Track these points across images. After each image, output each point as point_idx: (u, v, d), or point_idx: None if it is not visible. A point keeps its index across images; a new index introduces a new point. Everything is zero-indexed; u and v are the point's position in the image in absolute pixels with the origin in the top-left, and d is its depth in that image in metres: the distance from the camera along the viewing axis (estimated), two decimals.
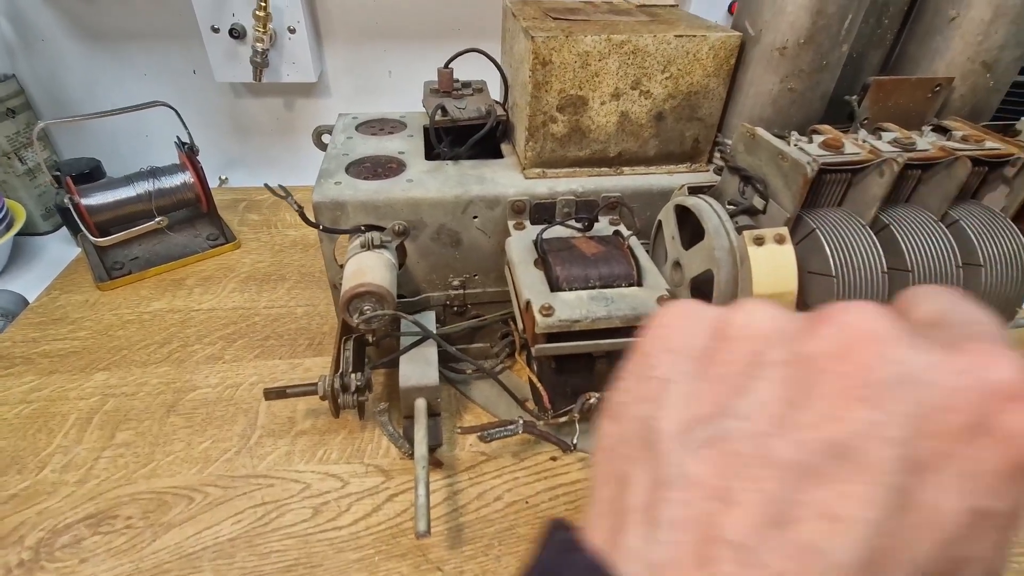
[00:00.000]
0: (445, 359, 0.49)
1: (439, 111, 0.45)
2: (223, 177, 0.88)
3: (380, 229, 0.43)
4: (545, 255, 0.38)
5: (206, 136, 0.86)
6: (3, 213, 0.67)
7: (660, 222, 0.43)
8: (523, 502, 0.42)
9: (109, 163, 0.78)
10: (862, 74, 0.48)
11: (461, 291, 0.48)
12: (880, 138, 0.39)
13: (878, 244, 0.36)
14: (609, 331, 0.36)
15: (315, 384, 0.42)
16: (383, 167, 0.46)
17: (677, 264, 0.41)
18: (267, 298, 0.62)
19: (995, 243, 0.38)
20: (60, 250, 0.74)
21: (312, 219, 0.41)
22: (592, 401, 0.41)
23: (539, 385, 0.41)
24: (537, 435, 0.40)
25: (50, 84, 0.79)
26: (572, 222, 0.42)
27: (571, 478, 0.44)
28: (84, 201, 0.60)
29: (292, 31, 0.73)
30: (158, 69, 0.80)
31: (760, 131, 0.39)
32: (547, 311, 0.34)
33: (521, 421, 0.40)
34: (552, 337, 0.36)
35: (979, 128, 0.41)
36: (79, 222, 0.57)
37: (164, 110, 0.64)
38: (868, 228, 0.37)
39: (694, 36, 0.40)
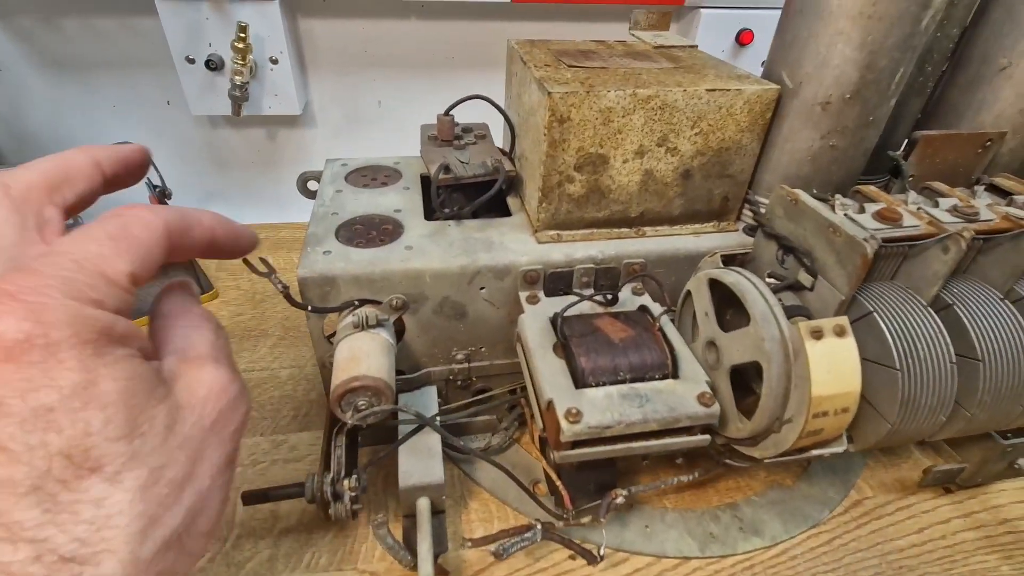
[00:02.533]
0: (446, 439, 0.44)
1: (442, 170, 0.40)
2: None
3: (376, 303, 0.38)
4: (567, 342, 0.33)
5: (181, 170, 0.80)
6: None
7: (689, 293, 0.39)
8: None
9: None
10: (901, 123, 0.44)
11: (465, 364, 0.43)
12: (936, 204, 0.35)
13: (944, 330, 0.32)
14: (644, 433, 0.31)
15: (301, 485, 0.36)
16: (377, 229, 0.41)
17: (712, 344, 0.36)
18: (247, 359, 0.56)
19: None
20: None
21: (285, 291, 0.36)
22: (618, 500, 0.36)
23: (558, 483, 0.36)
24: (558, 542, 0.35)
25: (10, 117, 0.73)
26: (596, 296, 0.38)
27: None
28: None
29: (275, 61, 0.68)
30: (128, 100, 0.75)
31: (803, 196, 0.35)
32: (574, 418, 0.29)
33: (539, 527, 0.35)
34: (578, 443, 0.31)
35: None
36: None
37: None
38: (930, 310, 0.33)
39: (728, 90, 0.36)
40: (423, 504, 0.37)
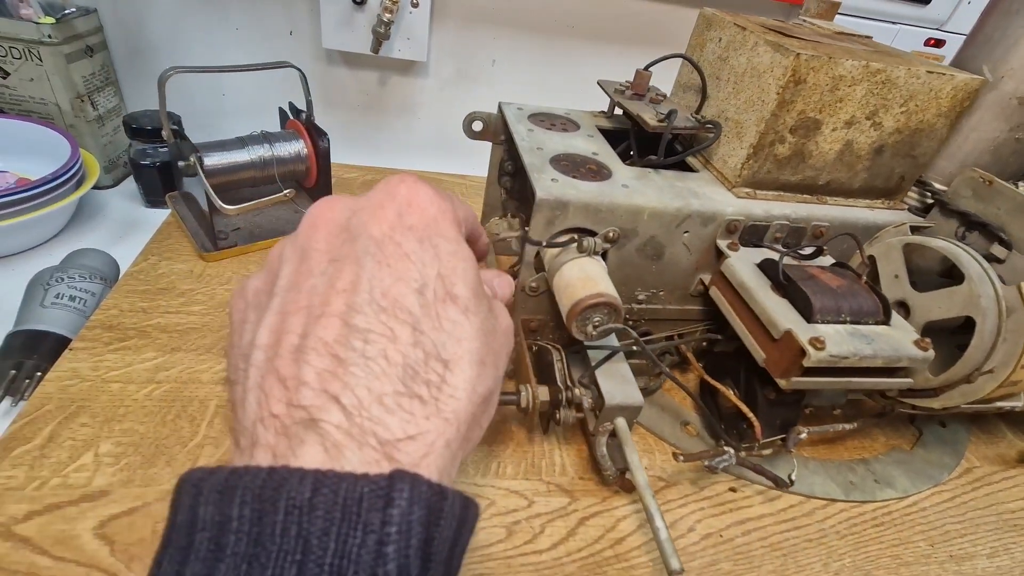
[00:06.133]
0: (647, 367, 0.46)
1: (672, 115, 0.42)
2: None
3: (592, 234, 0.40)
4: (792, 283, 0.36)
5: (287, 102, 0.80)
6: (77, 166, 0.60)
7: (874, 258, 0.42)
8: (717, 535, 0.40)
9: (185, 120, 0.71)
10: None
11: (644, 305, 0.45)
12: None
13: None
14: (859, 370, 0.35)
15: (514, 395, 0.39)
16: (584, 167, 0.43)
17: (900, 304, 0.40)
18: None
19: None
20: (125, 208, 0.67)
21: (525, 233, 0.38)
22: (802, 435, 0.40)
23: (751, 415, 0.39)
24: (750, 467, 0.39)
25: (132, 25, 0.72)
26: (798, 249, 0.41)
27: (756, 512, 0.42)
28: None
29: (415, 5, 0.69)
30: (252, 26, 0.74)
31: (998, 180, 0.39)
32: (821, 345, 0.33)
33: (731, 452, 0.38)
34: (809, 371, 0.34)
35: None
36: (206, 186, 0.52)
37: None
38: None
39: (943, 74, 0.39)
40: (622, 423, 0.39)
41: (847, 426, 0.43)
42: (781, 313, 0.35)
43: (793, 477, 0.38)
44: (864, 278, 0.38)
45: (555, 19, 0.79)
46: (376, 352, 0.17)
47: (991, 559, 0.42)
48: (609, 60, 0.85)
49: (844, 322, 0.36)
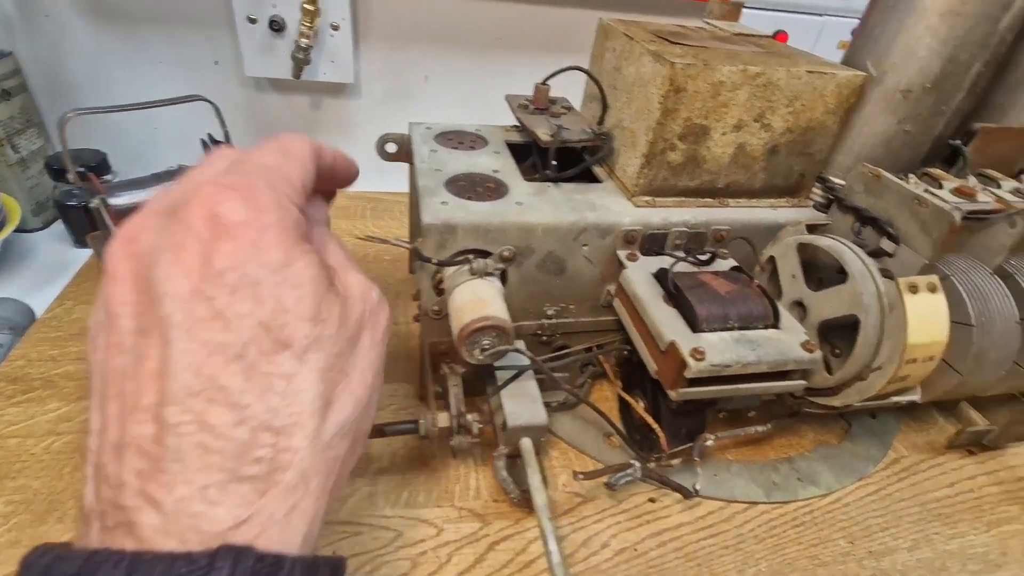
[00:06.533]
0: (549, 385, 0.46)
1: (557, 129, 0.42)
2: None
3: (486, 254, 0.40)
4: (680, 292, 0.36)
5: (207, 133, 0.80)
6: None
7: (773, 258, 0.42)
8: (631, 549, 0.40)
9: (114, 157, 0.70)
10: (951, 120, 0.48)
11: (554, 320, 0.45)
12: (999, 187, 0.40)
13: (1009, 294, 0.36)
14: (749, 376, 0.35)
15: (415, 423, 0.38)
16: (481, 186, 0.43)
17: (798, 304, 0.40)
18: None
19: None
20: (54, 251, 0.66)
21: (415, 246, 0.38)
22: (708, 442, 0.39)
23: (656, 427, 0.39)
24: (656, 479, 0.38)
25: (51, 65, 0.71)
26: (693, 255, 0.41)
27: (674, 522, 0.42)
28: (110, 201, 0.53)
29: (335, 28, 0.69)
30: (175, 57, 0.74)
31: (886, 174, 0.39)
32: (700, 355, 0.32)
33: (637, 465, 0.38)
34: (695, 381, 0.34)
35: None
36: (109, 225, 0.51)
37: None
38: (996, 277, 0.37)
39: (824, 73, 0.39)
40: (527, 444, 0.39)
41: (760, 428, 0.42)
42: (667, 324, 0.35)
43: (698, 487, 0.38)
44: (756, 281, 0.38)
45: (484, 32, 0.79)
46: (192, 445, 0.16)
47: (912, 552, 0.42)
48: (544, 70, 0.84)
49: (732, 328, 0.35)
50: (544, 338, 0.47)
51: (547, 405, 0.47)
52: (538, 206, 0.41)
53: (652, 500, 0.43)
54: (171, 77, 0.75)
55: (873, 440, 0.51)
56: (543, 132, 0.43)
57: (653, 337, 0.36)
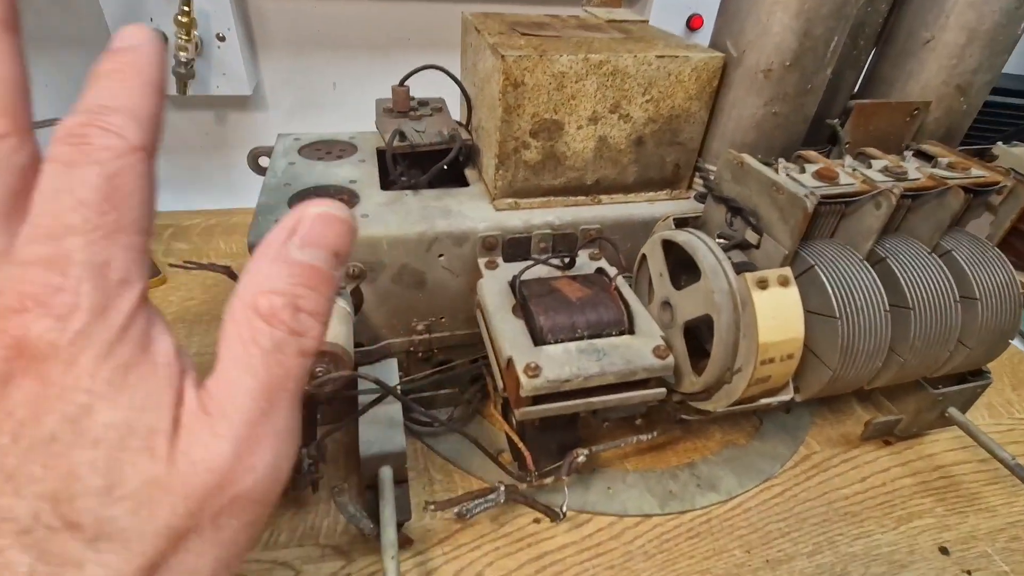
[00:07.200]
0: (408, 409, 0.44)
1: (397, 136, 0.39)
2: None
3: None
4: (526, 302, 0.34)
5: None
6: None
7: (644, 256, 0.40)
8: None
9: None
10: (838, 95, 0.46)
11: (426, 335, 0.42)
12: (870, 166, 0.37)
13: (879, 282, 0.34)
14: (601, 388, 0.32)
15: None
16: (331, 199, 0.40)
17: (666, 303, 0.37)
18: (198, 343, 0.54)
19: (988, 274, 0.36)
20: None
21: (229, 268, 0.35)
22: (580, 459, 0.37)
23: (520, 445, 0.36)
24: (521, 502, 0.36)
25: None
26: (552, 259, 0.38)
27: (558, 543, 0.39)
28: None
29: (221, 39, 0.65)
30: (61, 79, 0.70)
31: (748, 159, 0.36)
32: (533, 372, 0.30)
33: (502, 488, 0.36)
34: (538, 398, 0.31)
35: (960, 154, 0.40)
36: None
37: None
38: (866, 264, 0.35)
39: (676, 57, 0.37)
40: (385, 472, 0.36)
41: (644, 437, 0.40)
42: (509, 338, 0.32)
43: (564, 508, 0.35)
44: (615, 285, 0.35)
45: (387, 34, 0.76)
46: None
47: (811, 557, 0.40)
48: (456, 63, 0.82)
49: (581, 338, 0.33)
50: (420, 354, 0.44)
51: (430, 424, 0.44)
52: (384, 217, 0.38)
53: (537, 521, 0.40)
54: (58, 100, 0.71)
55: (783, 437, 0.49)
56: (388, 137, 0.40)
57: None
